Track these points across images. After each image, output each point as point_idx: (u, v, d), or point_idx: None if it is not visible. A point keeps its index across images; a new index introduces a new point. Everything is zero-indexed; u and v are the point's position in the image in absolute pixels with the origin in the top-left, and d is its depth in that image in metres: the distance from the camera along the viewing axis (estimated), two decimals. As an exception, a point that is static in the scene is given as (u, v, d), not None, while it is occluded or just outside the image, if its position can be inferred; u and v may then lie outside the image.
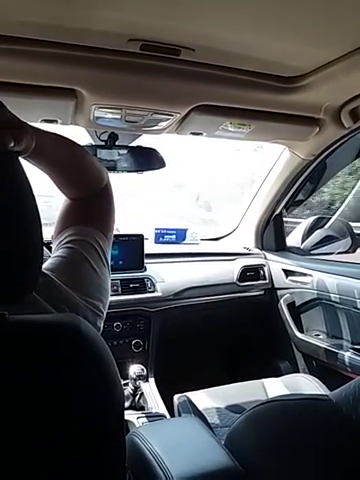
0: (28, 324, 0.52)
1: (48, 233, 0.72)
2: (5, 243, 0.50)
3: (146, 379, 1.62)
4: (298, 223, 2.10)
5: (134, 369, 1.49)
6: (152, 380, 1.69)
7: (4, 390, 0.47)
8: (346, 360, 1.59)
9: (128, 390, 1.52)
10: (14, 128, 0.53)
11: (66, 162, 0.73)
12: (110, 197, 0.81)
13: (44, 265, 0.69)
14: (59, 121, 1.23)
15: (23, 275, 0.53)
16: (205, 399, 1.50)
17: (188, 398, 1.47)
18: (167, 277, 1.78)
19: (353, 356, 1.57)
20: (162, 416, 1.47)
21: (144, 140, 1.47)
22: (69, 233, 0.73)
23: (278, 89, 1.16)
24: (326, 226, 2.01)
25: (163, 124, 1.29)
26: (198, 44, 0.94)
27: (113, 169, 1.37)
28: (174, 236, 2.09)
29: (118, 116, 1.20)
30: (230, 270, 1.94)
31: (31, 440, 0.48)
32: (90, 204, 0.78)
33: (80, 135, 1.37)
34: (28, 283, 0.54)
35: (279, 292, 1.98)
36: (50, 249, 1.44)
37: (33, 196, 0.53)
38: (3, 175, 0.50)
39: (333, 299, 1.68)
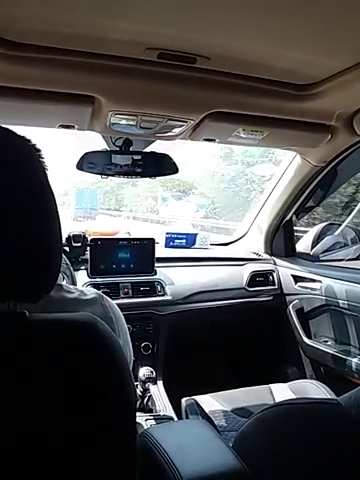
0: (48, 322, 0.54)
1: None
2: (27, 242, 0.51)
3: (155, 381, 1.63)
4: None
5: (143, 371, 1.50)
6: (160, 383, 1.69)
7: (23, 385, 0.49)
8: (354, 366, 1.59)
9: (137, 392, 1.53)
10: None
11: None
12: None
13: None
14: (76, 127, 1.25)
15: (43, 276, 0.54)
16: (212, 402, 1.50)
17: (196, 401, 1.47)
18: (177, 281, 1.79)
19: (361, 363, 1.57)
20: (170, 418, 1.47)
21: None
22: None
23: (291, 96, 1.17)
24: (336, 232, 2.01)
25: (177, 130, 1.31)
26: (214, 53, 0.96)
27: (127, 174, 1.39)
28: (184, 241, 2.10)
29: (133, 122, 1.22)
30: (239, 275, 1.95)
31: (42, 437, 0.50)
32: None
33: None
34: (48, 283, 0.55)
35: (288, 298, 1.98)
36: (65, 252, 1.45)
37: (53, 193, 0.55)
38: (25, 174, 0.52)
39: (342, 305, 1.68)
